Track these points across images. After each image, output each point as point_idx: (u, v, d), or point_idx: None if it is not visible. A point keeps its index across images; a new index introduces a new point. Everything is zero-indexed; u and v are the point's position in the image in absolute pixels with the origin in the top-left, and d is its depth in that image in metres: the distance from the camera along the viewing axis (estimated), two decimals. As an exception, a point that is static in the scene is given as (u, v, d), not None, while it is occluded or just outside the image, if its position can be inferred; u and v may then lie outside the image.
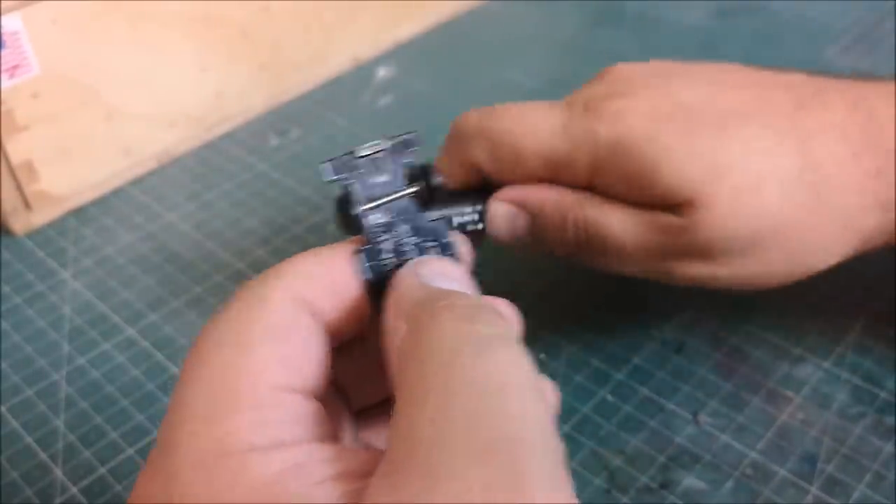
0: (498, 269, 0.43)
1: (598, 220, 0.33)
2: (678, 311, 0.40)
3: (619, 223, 0.32)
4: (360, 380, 0.25)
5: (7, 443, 0.36)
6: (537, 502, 0.16)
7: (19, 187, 0.46)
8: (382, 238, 0.22)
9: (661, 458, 0.34)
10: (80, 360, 0.40)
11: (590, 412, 0.36)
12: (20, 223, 0.47)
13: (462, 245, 0.25)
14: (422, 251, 0.22)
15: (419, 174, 0.23)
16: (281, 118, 0.56)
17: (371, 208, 0.22)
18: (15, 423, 0.37)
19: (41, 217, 0.48)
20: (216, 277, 0.44)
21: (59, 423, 0.37)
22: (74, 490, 0.34)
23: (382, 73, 0.59)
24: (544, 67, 0.59)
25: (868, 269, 0.41)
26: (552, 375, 0.38)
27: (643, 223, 0.32)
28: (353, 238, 0.23)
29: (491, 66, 0.60)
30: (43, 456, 0.36)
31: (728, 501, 0.32)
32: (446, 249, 0.22)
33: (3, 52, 0.43)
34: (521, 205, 0.34)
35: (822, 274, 0.42)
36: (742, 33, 0.60)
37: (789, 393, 0.36)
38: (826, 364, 0.37)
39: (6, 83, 0.43)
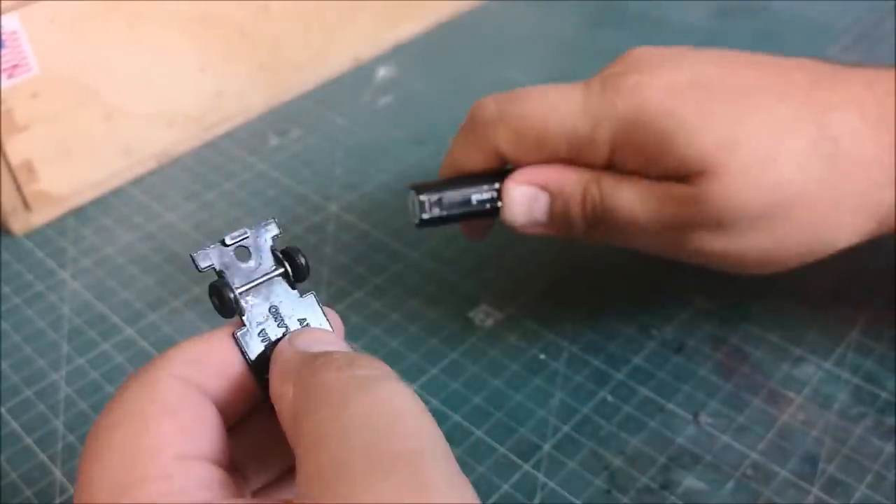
0: (499, 270, 0.43)
1: (614, 195, 0.33)
2: (678, 311, 0.40)
3: (633, 196, 0.33)
4: (255, 459, 0.25)
5: (7, 443, 0.36)
6: (441, 502, 0.18)
7: (18, 187, 0.46)
8: (259, 319, 0.24)
9: (662, 459, 0.34)
10: (80, 361, 0.40)
11: (590, 412, 0.36)
12: (19, 223, 0.47)
13: (333, 316, 0.26)
14: (296, 327, 0.24)
15: (284, 257, 0.24)
16: (280, 118, 0.56)
17: (245, 291, 0.24)
18: (14, 424, 0.37)
19: (40, 217, 0.48)
20: (216, 277, 0.44)
21: (59, 423, 0.37)
22: (74, 491, 0.34)
23: (382, 72, 0.59)
24: (544, 67, 0.59)
25: (868, 269, 0.41)
26: (552, 376, 0.38)
27: (657, 195, 0.32)
28: (234, 321, 0.24)
29: (491, 65, 0.59)
30: (42, 456, 0.35)
31: (728, 502, 0.32)
32: (318, 322, 0.25)
33: (3, 52, 0.43)
34: (541, 185, 0.34)
35: (821, 274, 0.42)
36: (743, 33, 0.60)
37: (790, 393, 0.36)
38: (827, 364, 0.37)
39: (5, 83, 0.43)
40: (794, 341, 0.38)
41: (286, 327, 0.24)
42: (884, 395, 0.36)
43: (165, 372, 0.23)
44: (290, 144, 0.53)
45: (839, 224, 0.32)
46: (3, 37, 0.43)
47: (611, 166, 0.33)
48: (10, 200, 0.46)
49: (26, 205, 0.47)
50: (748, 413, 0.35)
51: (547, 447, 0.35)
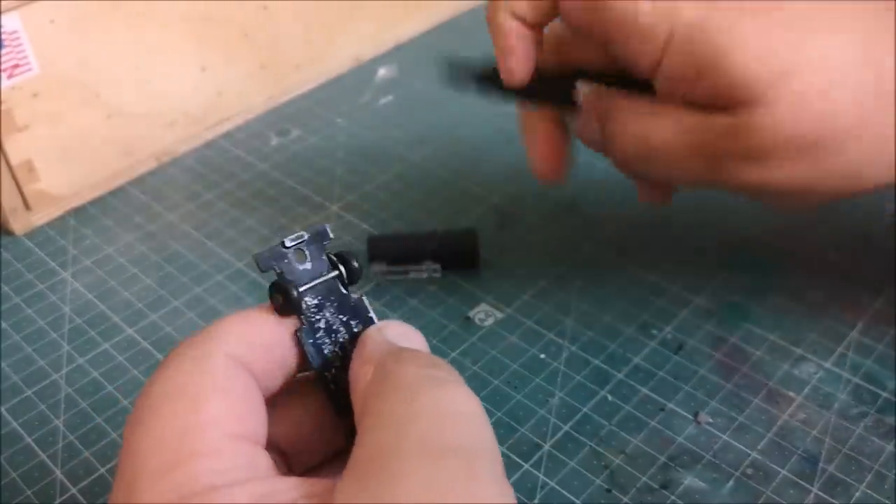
0: (499, 270, 0.43)
1: (650, 125, 0.32)
2: (678, 311, 0.40)
3: (673, 125, 0.32)
4: (294, 443, 0.26)
5: (7, 443, 0.36)
6: (486, 501, 0.19)
7: (19, 187, 0.46)
8: (316, 318, 0.25)
9: (662, 458, 0.34)
10: (80, 360, 0.40)
11: (590, 412, 0.36)
12: (20, 223, 0.47)
13: (405, 327, 0.27)
14: (348, 328, 0.25)
15: (339, 260, 0.25)
16: (281, 118, 0.56)
17: (306, 290, 0.25)
18: (15, 424, 0.37)
19: (41, 217, 0.48)
20: (216, 277, 0.44)
21: (59, 423, 0.37)
22: (74, 490, 0.34)
23: (383, 72, 0.59)
24: (544, 67, 0.59)
25: (868, 268, 0.41)
26: (552, 375, 0.38)
27: (698, 125, 0.31)
28: (269, 305, 0.25)
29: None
30: (43, 456, 0.35)
31: (729, 501, 0.32)
32: (369, 324, 0.26)
33: (3, 52, 0.43)
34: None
35: (822, 274, 0.42)
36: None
37: (790, 393, 0.36)
38: (827, 364, 0.37)
39: (5, 83, 0.43)
40: (794, 341, 0.38)
41: (342, 327, 0.25)
42: (884, 394, 0.36)
43: (219, 349, 0.23)
44: (291, 144, 0.53)
45: (883, 161, 0.31)
46: (4, 37, 0.43)
47: (652, 80, 0.32)
48: (11, 200, 0.46)
49: (27, 204, 0.47)
50: (748, 413, 0.35)
51: (547, 447, 0.35)
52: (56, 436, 0.36)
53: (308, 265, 0.25)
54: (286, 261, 0.25)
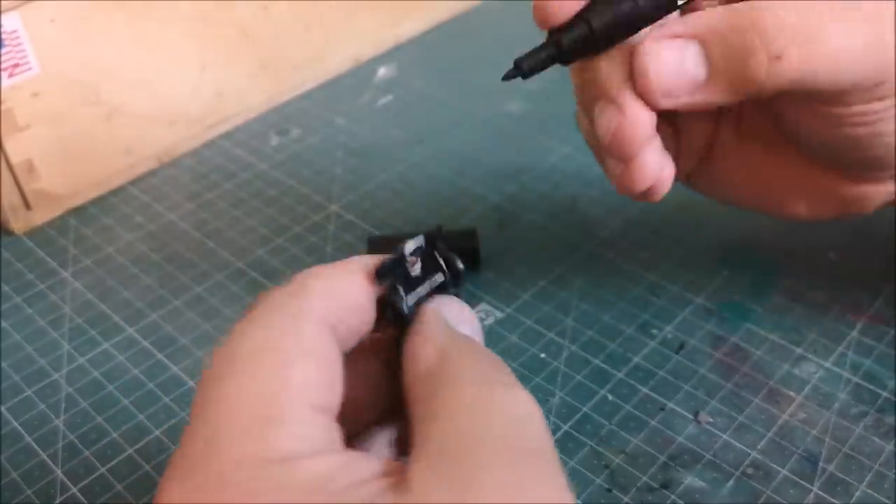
0: (499, 269, 0.43)
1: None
2: (679, 310, 0.40)
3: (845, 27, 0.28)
4: (348, 411, 0.26)
5: (7, 442, 0.36)
6: (553, 502, 0.20)
7: (19, 186, 0.46)
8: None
9: (662, 458, 0.34)
10: (80, 360, 0.40)
11: (590, 411, 0.36)
12: (20, 222, 0.47)
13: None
14: None
15: (446, 264, 0.26)
16: (281, 118, 0.56)
17: (413, 299, 0.25)
18: (15, 423, 0.37)
19: (41, 216, 0.48)
20: (216, 277, 0.44)
21: (59, 422, 0.37)
22: (74, 490, 0.34)
23: (382, 72, 0.59)
24: (544, 67, 0.59)
25: (868, 268, 0.41)
26: (552, 374, 0.38)
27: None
28: (356, 263, 0.25)
29: (491, 65, 0.59)
30: (43, 455, 0.35)
31: (729, 501, 0.32)
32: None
33: (3, 52, 0.43)
34: (685, 36, 0.29)
35: (822, 273, 0.42)
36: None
37: (790, 392, 0.36)
38: (827, 363, 0.37)
39: (6, 82, 0.43)
40: (795, 341, 0.38)
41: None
42: (884, 394, 0.36)
43: (311, 308, 0.23)
44: (291, 144, 0.53)
45: None
46: (4, 36, 0.43)
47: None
48: (11, 199, 0.46)
49: (27, 204, 0.47)
50: (748, 412, 0.35)
51: (547, 446, 0.35)
52: (56, 435, 0.36)
53: (418, 269, 0.25)
54: (399, 270, 0.25)
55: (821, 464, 0.33)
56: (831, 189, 0.34)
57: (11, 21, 0.43)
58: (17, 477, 0.35)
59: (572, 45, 0.29)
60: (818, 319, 0.39)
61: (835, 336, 0.38)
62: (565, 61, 0.30)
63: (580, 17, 0.29)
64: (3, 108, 0.44)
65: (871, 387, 0.36)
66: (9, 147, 0.45)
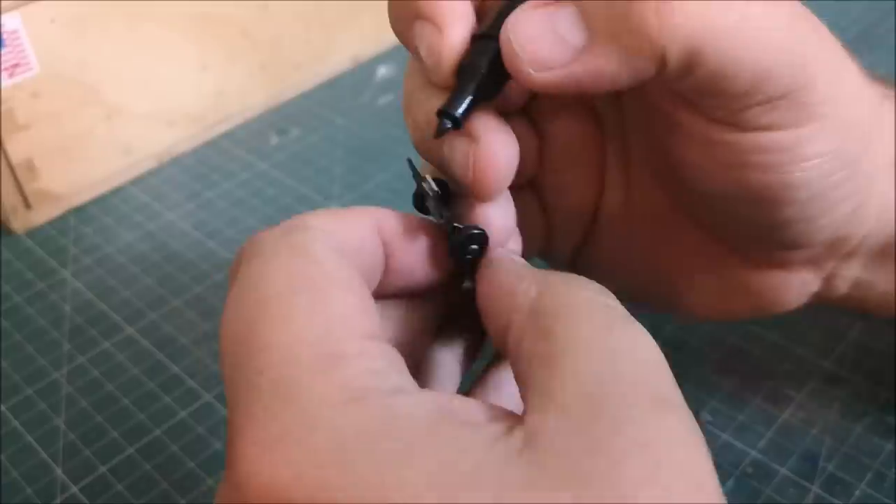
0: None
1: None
2: (679, 310, 0.40)
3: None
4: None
5: (7, 442, 0.36)
6: (703, 461, 0.18)
7: (19, 186, 0.46)
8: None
9: (662, 457, 0.34)
10: (81, 359, 0.40)
11: (590, 411, 0.36)
12: (20, 222, 0.47)
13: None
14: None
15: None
16: (281, 117, 0.56)
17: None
18: (15, 422, 0.37)
19: (41, 216, 0.48)
20: (216, 276, 0.44)
21: (60, 421, 0.37)
22: (75, 489, 0.34)
23: (383, 71, 0.59)
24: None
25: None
26: (553, 374, 0.37)
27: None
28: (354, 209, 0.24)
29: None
30: (43, 455, 0.35)
31: (729, 500, 0.32)
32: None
33: (3, 52, 0.43)
34: None
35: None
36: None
37: (790, 392, 0.36)
38: (827, 363, 0.37)
39: (6, 82, 0.43)
40: (795, 340, 0.38)
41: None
42: (884, 393, 0.36)
43: (320, 243, 0.21)
44: (291, 144, 0.53)
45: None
46: (4, 36, 0.43)
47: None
48: (11, 199, 0.46)
49: (27, 203, 0.47)
50: (748, 412, 0.35)
51: (547, 446, 0.35)
52: (57, 434, 0.36)
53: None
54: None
55: (820, 463, 0.33)
56: (735, 277, 0.30)
57: (12, 21, 0.43)
58: (17, 476, 0.35)
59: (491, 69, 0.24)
60: (819, 318, 0.39)
61: (835, 335, 0.38)
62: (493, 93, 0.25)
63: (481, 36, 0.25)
64: (3, 107, 0.44)
65: (871, 386, 0.36)
66: (9, 147, 0.45)
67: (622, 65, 0.23)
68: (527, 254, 0.28)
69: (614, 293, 0.23)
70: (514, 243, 0.27)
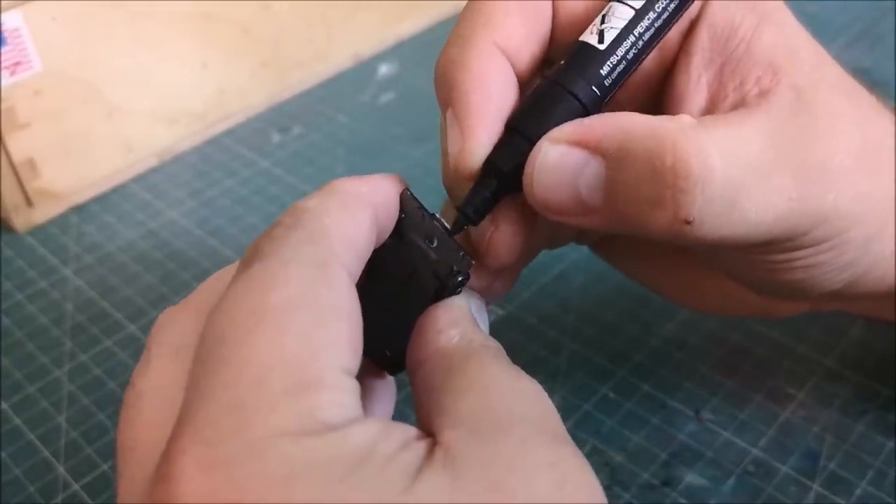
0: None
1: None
2: (680, 308, 0.40)
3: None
4: None
5: (9, 440, 0.36)
6: (591, 483, 0.20)
7: (21, 184, 0.46)
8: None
9: (663, 456, 0.34)
10: (82, 357, 0.40)
11: (591, 409, 0.36)
12: (22, 220, 0.47)
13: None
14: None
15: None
16: (282, 115, 0.56)
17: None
18: (17, 420, 0.37)
19: (43, 214, 0.48)
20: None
21: (61, 420, 0.37)
22: (76, 487, 0.34)
23: (384, 70, 0.59)
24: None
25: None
26: (553, 372, 0.38)
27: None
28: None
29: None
30: (45, 453, 0.36)
31: (730, 499, 0.32)
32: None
33: (4, 50, 0.43)
34: (590, 145, 0.23)
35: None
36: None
37: (791, 390, 0.36)
38: (828, 361, 0.37)
39: (7, 80, 0.43)
40: (796, 338, 0.38)
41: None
42: (885, 391, 0.36)
43: (334, 258, 0.21)
44: (292, 142, 0.53)
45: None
46: (6, 34, 0.43)
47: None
48: (13, 197, 0.46)
49: (28, 201, 0.47)
50: (749, 410, 0.35)
51: (548, 444, 0.35)
52: (58, 432, 0.36)
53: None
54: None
55: (821, 461, 0.33)
56: (738, 296, 0.32)
57: (13, 19, 0.43)
58: (19, 474, 0.35)
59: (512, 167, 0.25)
60: (819, 316, 0.39)
61: (836, 333, 0.38)
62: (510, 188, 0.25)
63: (513, 130, 0.25)
64: (4, 105, 0.44)
65: (872, 384, 0.36)
66: (10, 145, 0.45)
67: (632, 229, 0.24)
68: (561, 242, 0.31)
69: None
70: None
